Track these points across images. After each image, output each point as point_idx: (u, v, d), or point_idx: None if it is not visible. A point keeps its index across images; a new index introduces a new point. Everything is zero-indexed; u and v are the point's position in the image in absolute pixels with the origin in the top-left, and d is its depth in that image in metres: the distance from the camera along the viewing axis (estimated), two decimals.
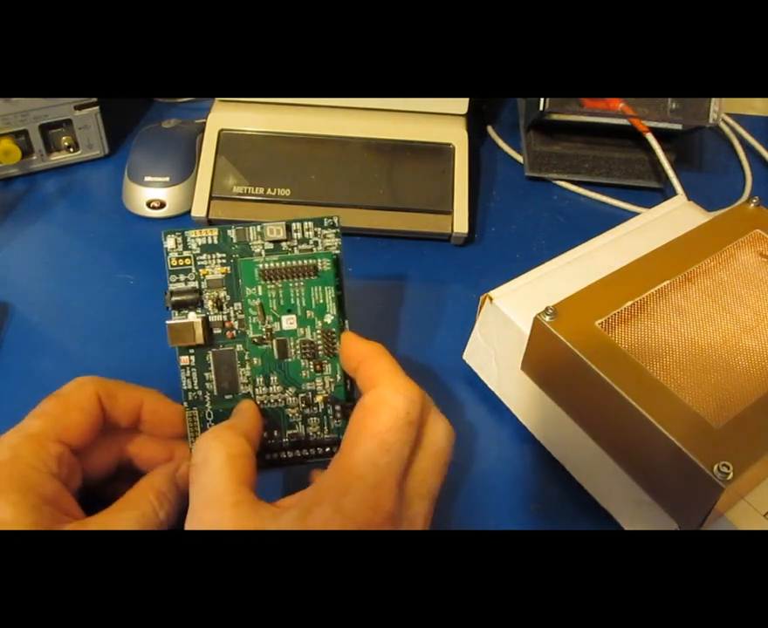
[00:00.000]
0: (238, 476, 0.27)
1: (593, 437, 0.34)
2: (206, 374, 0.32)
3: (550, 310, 0.34)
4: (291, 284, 0.31)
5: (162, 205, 0.49)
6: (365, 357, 0.30)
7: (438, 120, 0.50)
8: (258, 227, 0.32)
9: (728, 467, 0.28)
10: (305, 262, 0.31)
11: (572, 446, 0.36)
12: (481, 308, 0.39)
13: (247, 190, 0.48)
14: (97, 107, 0.52)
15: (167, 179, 0.50)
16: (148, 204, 0.49)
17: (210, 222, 0.47)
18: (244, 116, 0.50)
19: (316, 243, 0.32)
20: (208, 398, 0.32)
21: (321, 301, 0.32)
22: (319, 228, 0.32)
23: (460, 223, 0.48)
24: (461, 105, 0.50)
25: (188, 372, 0.32)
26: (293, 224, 0.32)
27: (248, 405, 0.32)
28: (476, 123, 0.58)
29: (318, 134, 0.49)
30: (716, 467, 0.28)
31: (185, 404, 0.32)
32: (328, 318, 0.32)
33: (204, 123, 0.50)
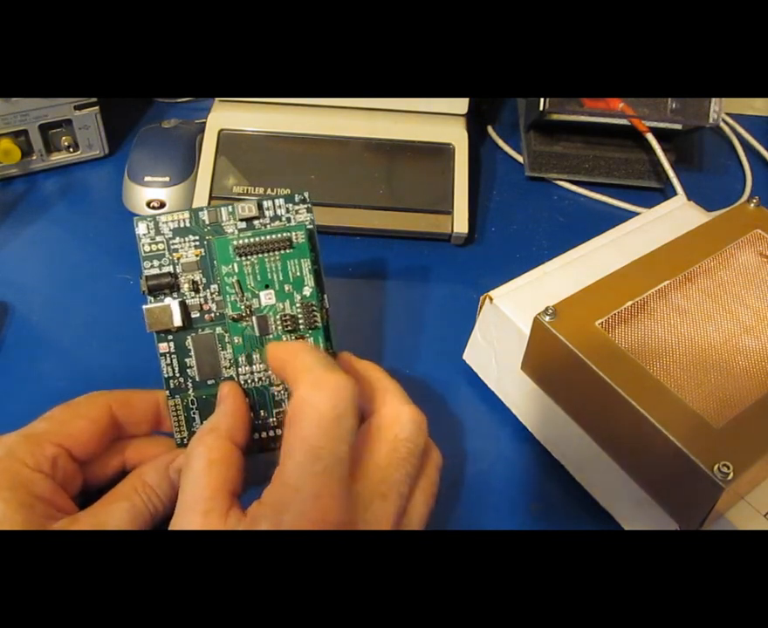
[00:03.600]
0: (215, 483, 0.27)
1: (593, 437, 0.34)
2: (186, 360, 0.31)
3: (550, 310, 0.34)
4: (266, 259, 0.31)
5: (162, 205, 0.49)
6: (287, 356, 0.29)
7: (438, 120, 0.50)
8: (230, 207, 0.32)
9: (728, 467, 0.28)
10: (280, 235, 0.31)
11: (572, 446, 0.36)
12: (481, 308, 0.39)
13: (247, 190, 0.48)
14: (97, 107, 0.52)
15: (167, 179, 0.50)
16: (148, 204, 0.49)
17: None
18: (244, 116, 0.50)
19: (289, 219, 0.32)
20: (190, 385, 0.31)
21: (298, 274, 0.31)
22: (291, 205, 0.32)
23: (460, 223, 0.48)
24: (461, 105, 0.50)
25: (168, 358, 0.31)
26: (265, 202, 0.32)
27: (229, 389, 0.31)
28: (476, 123, 0.58)
29: (318, 134, 0.49)
30: (716, 467, 0.28)
31: (167, 393, 0.31)
32: (307, 291, 0.31)
33: (204, 123, 0.50)
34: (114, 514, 0.28)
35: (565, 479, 0.36)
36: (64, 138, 0.52)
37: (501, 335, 0.38)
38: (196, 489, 0.27)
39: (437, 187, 0.48)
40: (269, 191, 0.48)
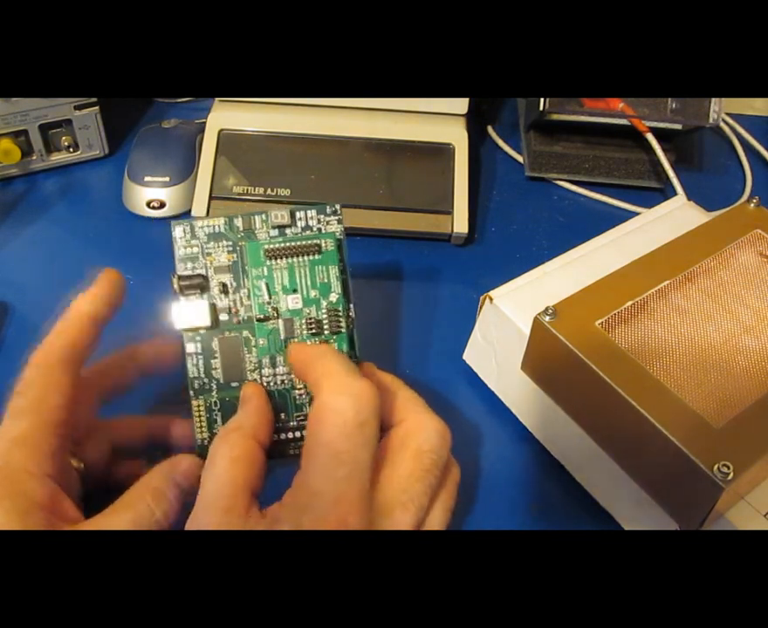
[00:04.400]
0: (237, 480, 0.27)
1: (593, 437, 0.34)
2: (212, 361, 0.32)
3: (550, 310, 0.34)
4: (295, 264, 0.32)
5: (162, 205, 0.49)
6: (308, 359, 0.29)
7: (438, 120, 0.50)
8: (263, 214, 0.33)
9: (728, 467, 0.28)
10: (310, 241, 0.32)
11: (572, 446, 0.36)
12: (481, 308, 0.39)
13: (247, 190, 0.48)
14: (97, 107, 0.52)
15: (167, 179, 0.50)
16: (148, 204, 0.49)
17: None
18: (244, 116, 0.50)
19: (319, 230, 0.33)
20: (214, 386, 0.32)
21: (326, 280, 0.32)
22: (322, 216, 0.33)
23: (460, 223, 0.48)
24: (461, 105, 0.50)
25: (195, 359, 0.32)
26: (297, 212, 0.33)
27: (252, 390, 0.31)
28: (476, 123, 0.58)
29: (318, 134, 0.49)
30: (716, 467, 0.28)
31: (191, 392, 0.32)
32: (333, 297, 0.32)
33: (204, 123, 0.50)
34: (118, 524, 0.28)
35: (565, 479, 0.36)
36: (64, 138, 0.52)
37: (501, 335, 0.38)
38: (218, 486, 0.27)
39: (437, 187, 0.48)
40: (269, 191, 0.48)
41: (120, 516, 0.28)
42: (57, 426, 0.29)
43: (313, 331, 0.32)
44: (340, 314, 0.32)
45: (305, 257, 0.32)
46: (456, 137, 0.50)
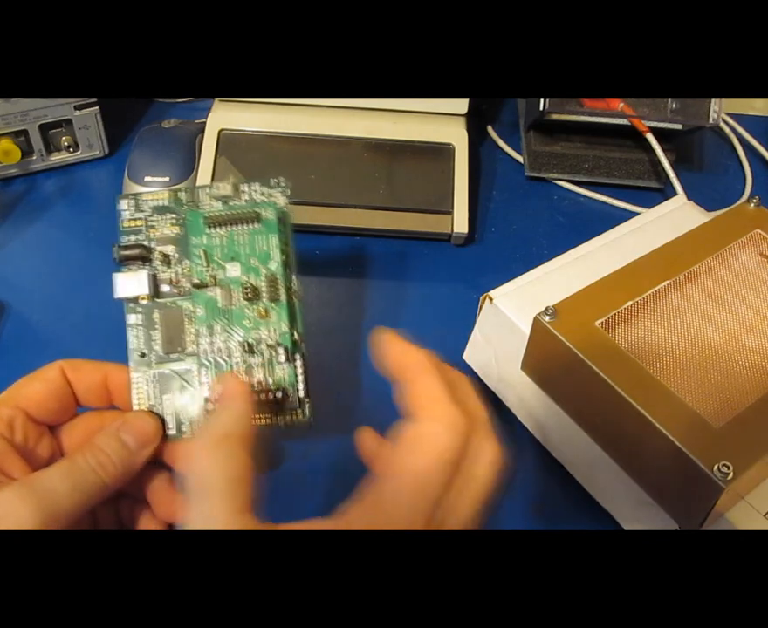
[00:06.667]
0: (239, 503, 0.25)
1: (593, 437, 0.34)
2: (152, 333, 0.32)
3: (550, 310, 0.34)
4: (235, 233, 0.32)
5: None
6: (410, 370, 0.28)
7: (438, 120, 0.50)
8: (207, 188, 0.33)
9: (728, 467, 0.28)
10: (249, 210, 0.32)
11: (572, 446, 0.36)
12: (481, 308, 0.39)
13: None
14: (97, 107, 0.52)
15: (167, 179, 0.50)
16: None
17: None
18: (244, 116, 0.50)
19: (263, 202, 0.33)
20: (153, 357, 0.32)
21: (265, 248, 0.32)
22: (266, 189, 0.33)
23: (460, 223, 0.48)
24: (461, 105, 0.50)
25: (135, 330, 0.32)
26: (241, 185, 0.33)
27: (234, 386, 0.29)
28: (476, 123, 0.58)
29: (318, 134, 0.49)
30: (716, 467, 0.28)
31: (130, 364, 0.32)
32: (272, 265, 0.32)
33: (204, 123, 0.50)
34: (53, 475, 0.27)
35: (565, 479, 0.36)
36: (64, 138, 0.52)
37: (501, 335, 0.38)
38: (219, 513, 0.25)
39: (437, 187, 0.48)
40: None
41: (58, 465, 0.27)
42: (27, 402, 0.30)
43: (249, 296, 0.31)
44: (278, 282, 0.32)
45: (245, 225, 0.32)
46: (456, 137, 0.50)
